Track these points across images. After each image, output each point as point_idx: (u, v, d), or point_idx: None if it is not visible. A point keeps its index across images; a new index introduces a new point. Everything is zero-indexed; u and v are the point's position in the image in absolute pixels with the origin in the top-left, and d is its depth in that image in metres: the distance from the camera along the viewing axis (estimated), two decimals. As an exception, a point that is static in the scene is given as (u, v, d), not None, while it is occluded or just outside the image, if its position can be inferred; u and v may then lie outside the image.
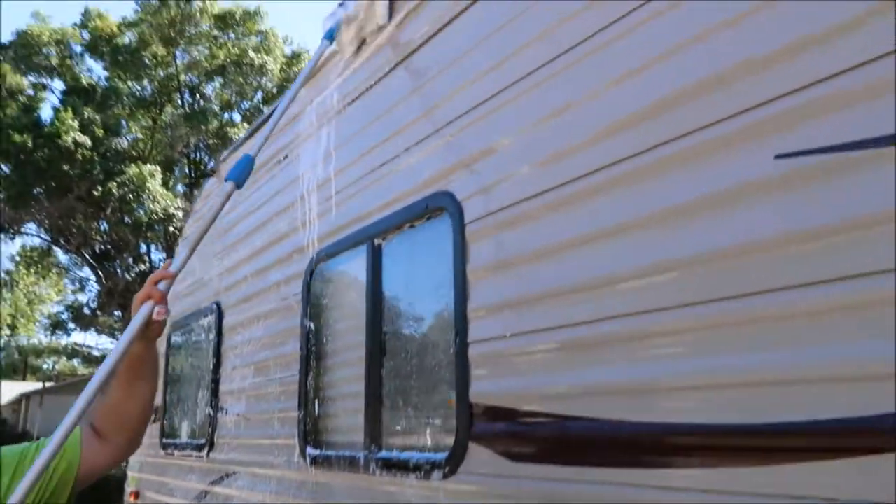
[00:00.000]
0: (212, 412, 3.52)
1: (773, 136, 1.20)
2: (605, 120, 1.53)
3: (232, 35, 24.83)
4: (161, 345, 4.32)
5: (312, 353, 2.66)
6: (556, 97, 1.67)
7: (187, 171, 25.96)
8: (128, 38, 23.15)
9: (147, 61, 23.30)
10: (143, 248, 25.00)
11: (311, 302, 2.73)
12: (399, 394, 2.19)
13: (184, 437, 3.96)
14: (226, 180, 1.81)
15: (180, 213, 20.41)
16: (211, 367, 3.61)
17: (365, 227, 2.38)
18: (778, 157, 1.19)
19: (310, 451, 2.52)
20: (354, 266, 2.50)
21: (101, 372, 1.38)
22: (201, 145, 24.72)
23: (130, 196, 18.85)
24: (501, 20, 1.85)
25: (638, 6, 1.47)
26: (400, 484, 2.01)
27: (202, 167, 26.06)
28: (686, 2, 1.39)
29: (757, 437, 1.17)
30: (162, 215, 20.00)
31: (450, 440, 1.86)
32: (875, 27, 1.07)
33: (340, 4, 2.52)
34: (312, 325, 2.68)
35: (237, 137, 24.57)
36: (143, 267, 25.21)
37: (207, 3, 23.41)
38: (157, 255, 26.13)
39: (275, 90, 25.79)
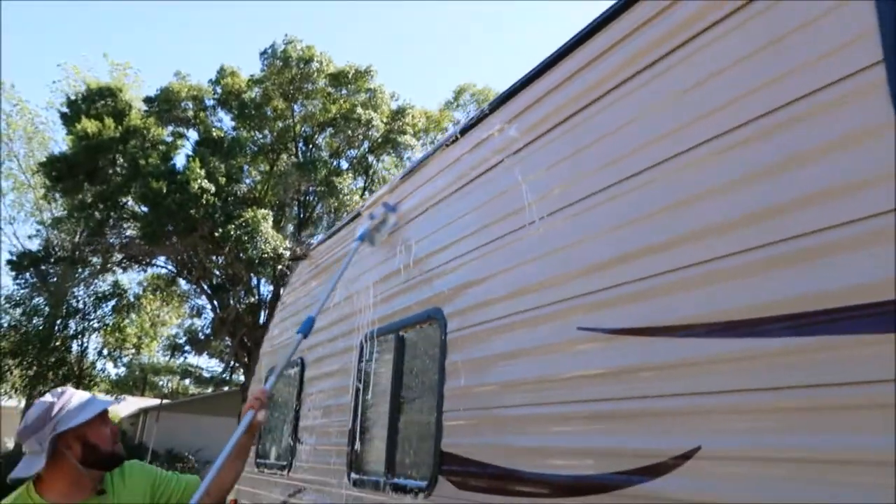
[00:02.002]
0: (292, 442, 4.68)
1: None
2: (536, 278, 2.53)
3: (344, 91, 27.10)
4: (261, 383, 5.56)
5: (359, 405, 3.75)
6: (502, 261, 2.70)
7: (297, 212, 28.34)
8: (254, 92, 25.89)
9: (269, 113, 25.90)
10: (254, 282, 27.42)
11: (360, 368, 3.84)
12: (405, 440, 3.24)
13: (272, 459, 5.14)
14: (297, 333, 2.90)
15: (287, 253, 22.48)
16: (294, 407, 4.78)
17: (394, 322, 3.48)
18: (580, 328, 2.16)
19: (353, 475, 3.60)
20: (386, 347, 3.60)
21: (222, 454, 2.34)
22: (310, 190, 26.95)
23: (245, 237, 21.02)
24: (469, 207, 2.92)
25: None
26: (400, 500, 3.04)
27: (310, 211, 28.35)
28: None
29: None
30: (272, 254, 22.04)
31: (429, 473, 2.88)
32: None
33: (371, 216, 3.61)
34: (360, 385, 3.78)
35: (341, 186, 26.42)
36: (252, 299, 27.58)
37: (324, 63, 25.72)
38: (265, 289, 28.51)
39: (380, 140, 27.81)
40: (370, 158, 29.21)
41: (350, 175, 27.71)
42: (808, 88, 1.57)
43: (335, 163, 28.54)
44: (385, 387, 3.51)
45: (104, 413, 2.16)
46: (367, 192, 29.21)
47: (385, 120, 27.50)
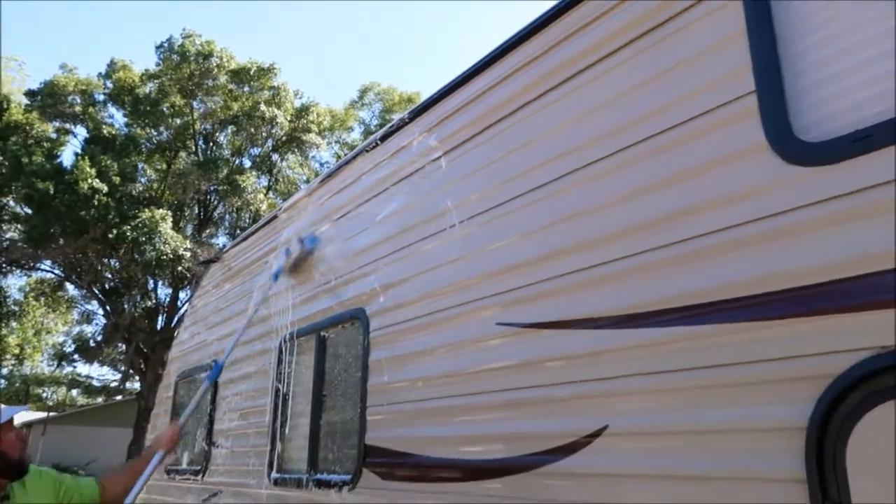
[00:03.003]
0: (206, 446, 4.65)
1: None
2: (456, 278, 2.70)
3: (247, 88, 26.46)
4: (170, 390, 5.47)
5: (279, 405, 3.80)
6: (423, 262, 2.86)
7: (197, 212, 27.43)
8: (149, 88, 24.81)
9: (165, 110, 24.90)
10: (151, 284, 26.31)
11: (279, 370, 3.89)
12: (328, 437, 3.34)
13: (184, 465, 5.07)
14: (206, 379, 2.98)
15: (188, 254, 21.74)
16: (208, 412, 4.75)
17: (315, 323, 3.56)
18: (499, 324, 2.35)
19: (274, 474, 3.65)
20: (306, 348, 3.68)
21: (139, 483, 2.44)
22: (212, 189, 26.15)
23: (143, 238, 20.15)
24: (391, 211, 3.07)
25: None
26: (325, 494, 3.15)
27: (211, 210, 27.51)
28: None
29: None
30: (171, 255, 21.23)
31: (353, 467, 3.00)
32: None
33: (286, 252, 3.62)
34: (280, 385, 3.84)
35: (244, 184, 25.77)
36: (149, 303, 26.46)
37: (225, 59, 25.00)
38: (163, 292, 27.45)
39: (284, 138, 27.34)
40: (274, 157, 28.69)
41: (253, 173, 27.09)
42: (691, 114, 1.83)
43: (237, 161, 27.84)
44: (306, 386, 3.59)
45: (10, 420, 2.16)
46: (271, 192, 28.68)
47: (289, 118, 27.08)
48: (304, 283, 3.54)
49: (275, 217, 4.42)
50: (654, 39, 1.98)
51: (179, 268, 22.36)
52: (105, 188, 19.98)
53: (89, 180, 19.46)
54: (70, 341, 33.30)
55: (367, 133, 30.05)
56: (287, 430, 3.70)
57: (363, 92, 29.93)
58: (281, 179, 29.65)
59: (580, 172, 2.12)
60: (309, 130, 27.84)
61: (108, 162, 20.86)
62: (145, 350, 25.81)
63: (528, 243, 2.27)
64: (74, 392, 44.45)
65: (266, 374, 4.03)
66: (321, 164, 30.49)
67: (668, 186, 1.87)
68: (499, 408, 2.27)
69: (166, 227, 20.50)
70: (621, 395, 1.88)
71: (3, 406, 2.26)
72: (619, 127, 2.02)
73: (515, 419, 2.20)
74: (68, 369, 37.96)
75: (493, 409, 2.30)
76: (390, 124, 3.30)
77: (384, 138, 3.31)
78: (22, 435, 2.23)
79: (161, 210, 21.10)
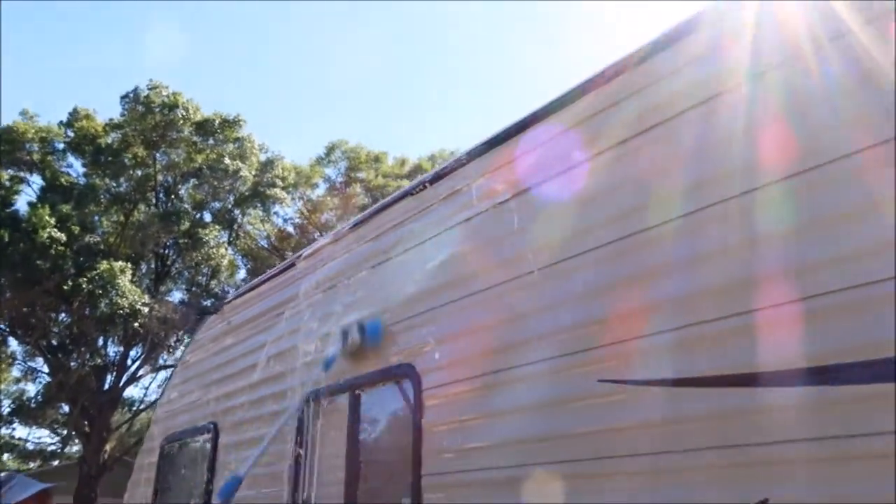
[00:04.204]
0: (203, 517, 4.19)
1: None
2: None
3: (211, 140, 26.12)
4: (153, 455, 4.99)
5: (301, 472, 3.42)
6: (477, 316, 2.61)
7: (154, 266, 26.53)
8: (111, 138, 24.24)
9: (127, 161, 24.31)
10: (101, 342, 25.12)
11: (301, 431, 3.53)
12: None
13: (171, 541, 4.57)
14: (218, 498, 2.58)
15: (145, 310, 20.86)
16: (205, 478, 4.30)
17: (347, 380, 3.24)
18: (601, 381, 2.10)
19: (295, 553, 3.25)
20: (335, 408, 3.34)
21: None
22: (171, 242, 25.43)
23: (99, 291, 19.28)
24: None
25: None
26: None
27: (168, 264, 26.67)
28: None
29: None
30: (128, 310, 20.34)
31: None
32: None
33: (344, 337, 3.24)
34: (301, 450, 3.47)
35: (206, 238, 25.21)
36: (98, 361, 25.20)
37: (191, 111, 24.71)
38: (113, 349, 26.23)
39: (247, 193, 26.91)
40: (235, 212, 28.18)
41: (216, 227, 26.50)
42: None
43: (198, 215, 27.26)
44: (336, 452, 3.24)
45: (45, 495, 2.18)
46: (232, 246, 28.04)
47: (254, 171, 26.74)
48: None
49: (292, 265, 4.11)
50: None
51: (136, 324, 21.43)
52: (63, 238, 19.15)
53: (48, 229, 18.63)
54: (8, 401, 31.33)
55: (331, 189, 29.89)
56: (312, 501, 3.32)
57: (330, 149, 29.88)
58: (242, 235, 29.11)
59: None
60: (274, 185, 27.51)
61: (68, 210, 20.08)
62: (91, 411, 24.45)
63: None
64: (6, 456, 41.64)
65: (283, 438, 3.65)
66: (284, 220, 30.12)
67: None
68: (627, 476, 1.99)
69: (125, 280, 19.68)
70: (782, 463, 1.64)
71: (32, 481, 2.12)
72: (760, 160, 1.85)
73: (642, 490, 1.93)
74: (4, 431, 35.63)
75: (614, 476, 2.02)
76: (445, 164, 3.07)
77: (434, 180, 3.09)
78: None
79: (119, 262, 20.28)
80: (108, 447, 25.58)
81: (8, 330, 24.23)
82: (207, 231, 25.41)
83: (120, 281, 19.42)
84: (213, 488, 4.23)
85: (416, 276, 2.98)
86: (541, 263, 2.42)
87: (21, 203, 22.45)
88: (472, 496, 2.47)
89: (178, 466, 4.80)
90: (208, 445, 4.39)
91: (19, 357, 27.76)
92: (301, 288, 3.89)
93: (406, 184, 25.35)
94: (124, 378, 26.46)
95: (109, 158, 23.91)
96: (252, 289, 4.55)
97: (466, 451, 2.53)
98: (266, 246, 29.45)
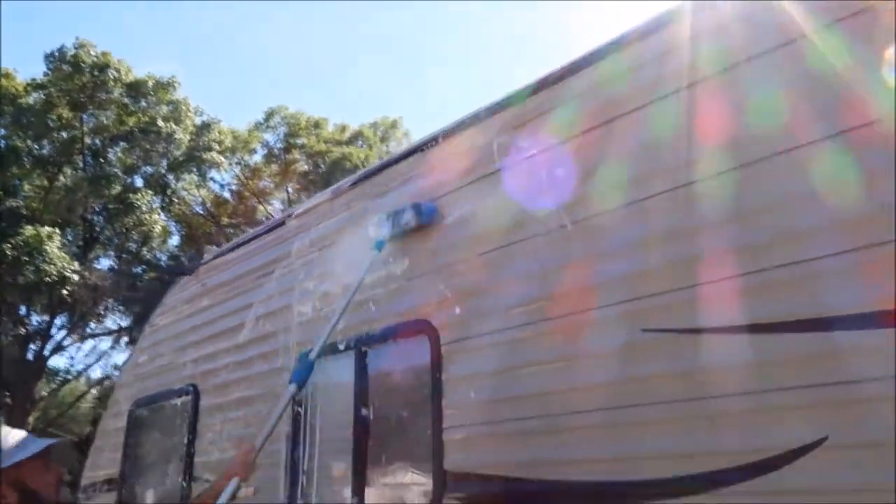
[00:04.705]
0: (184, 480, 4.08)
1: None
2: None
3: (143, 102, 24.98)
4: (121, 420, 4.83)
5: (300, 431, 3.37)
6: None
7: (82, 232, 25.32)
8: (33, 98, 22.83)
9: (51, 123, 22.99)
10: (23, 310, 23.91)
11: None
12: (381, 464, 2.98)
13: (148, 502, 4.43)
14: (290, 382, 2.51)
15: (75, 277, 19.94)
16: (186, 441, 4.18)
17: (352, 337, 3.20)
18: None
19: (299, 510, 3.21)
20: (339, 365, 3.30)
21: None
22: (100, 207, 24.33)
23: (25, 258, 18.29)
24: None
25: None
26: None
27: (97, 230, 25.50)
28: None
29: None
30: (56, 277, 19.40)
31: (427, 497, 2.66)
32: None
33: (393, 218, 3.01)
34: (300, 409, 3.41)
35: (139, 203, 24.31)
36: (22, 330, 24.01)
37: (122, 72, 23.54)
38: (36, 318, 25.01)
39: (182, 157, 25.95)
40: (169, 177, 27.14)
41: (148, 192, 25.48)
42: None
43: (129, 179, 26.14)
44: (341, 409, 3.20)
45: (46, 454, 1.81)
46: (165, 212, 27.05)
47: (189, 135, 25.79)
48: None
49: (282, 223, 4.00)
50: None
51: (63, 291, 20.50)
52: (-17, 202, 18.02)
53: (-35, 193, 17.48)
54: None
55: (270, 155, 29.13)
56: (316, 460, 3.28)
57: (269, 115, 29.04)
58: (176, 200, 28.11)
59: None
60: (210, 149, 26.61)
61: (-13, 174, 18.89)
62: (13, 382, 23.36)
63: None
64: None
65: (277, 397, 3.57)
66: (221, 186, 29.22)
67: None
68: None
69: (53, 246, 18.72)
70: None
71: (32, 436, 1.88)
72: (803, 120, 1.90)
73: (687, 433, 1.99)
74: None
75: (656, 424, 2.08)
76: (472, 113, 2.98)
77: (448, 136, 3.05)
78: (60, 473, 1.88)
79: (46, 228, 19.27)
80: (31, 419, 24.53)
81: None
82: (139, 196, 24.43)
83: (47, 247, 18.48)
84: (195, 449, 4.13)
85: (431, 231, 2.95)
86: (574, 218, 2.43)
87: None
88: (499, 447, 2.50)
89: (151, 430, 4.65)
90: (188, 408, 4.27)
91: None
92: (294, 246, 3.79)
93: (348, 150, 24.81)
94: (49, 348, 25.35)
95: (32, 119, 22.55)
96: (234, 248, 4.41)
97: (495, 402, 2.54)
98: (201, 212, 28.53)
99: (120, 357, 27.62)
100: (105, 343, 26.15)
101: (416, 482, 2.79)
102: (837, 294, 1.77)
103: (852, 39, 1.84)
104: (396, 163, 3.31)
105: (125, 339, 25.75)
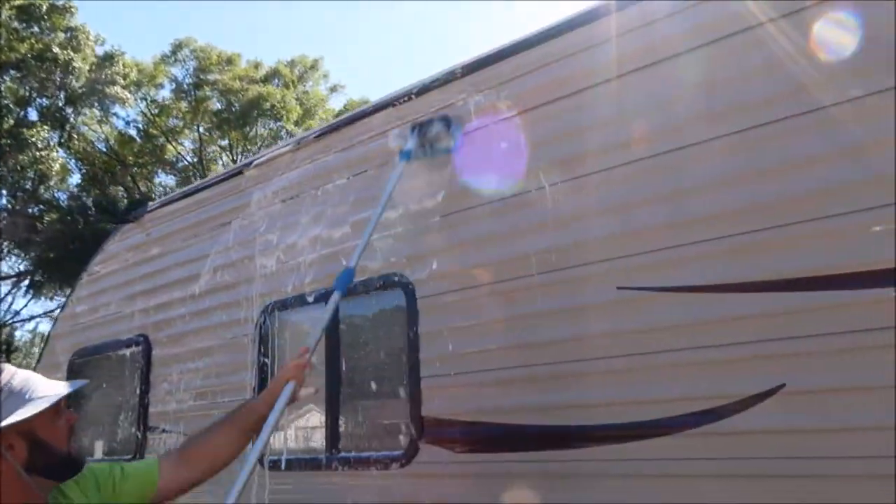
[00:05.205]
0: (138, 432, 4.08)
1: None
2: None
3: (37, 28, 23.08)
4: (60, 371, 4.72)
5: (267, 382, 3.44)
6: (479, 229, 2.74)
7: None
8: None
9: (-72, 47, 20.93)
10: None
11: (264, 341, 3.52)
12: (356, 413, 3.11)
13: (98, 454, 4.39)
14: (335, 291, 2.46)
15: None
16: (138, 391, 4.15)
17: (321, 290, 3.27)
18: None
19: (269, 458, 3.31)
20: (307, 317, 3.37)
21: (264, 433, 1.99)
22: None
23: None
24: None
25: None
26: (361, 476, 2.93)
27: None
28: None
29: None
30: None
31: (405, 442, 2.82)
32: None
33: (413, 129, 2.97)
34: (268, 360, 3.47)
35: (33, 139, 22.71)
36: None
37: (11, -8, 21.58)
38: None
39: (82, 90, 24.30)
40: (68, 111, 25.41)
41: (45, 127, 23.80)
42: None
43: (22, 112, 24.30)
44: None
45: (58, 401, 1.58)
46: (64, 148, 25.44)
47: (89, 66, 24.10)
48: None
49: (238, 173, 3.94)
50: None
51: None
52: None
53: None
54: None
55: (179, 91, 27.68)
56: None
57: (176, 47, 27.42)
58: (76, 136, 26.41)
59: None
60: (113, 83, 25.03)
61: None
62: None
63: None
64: None
65: (241, 347, 3.62)
66: (126, 123, 27.64)
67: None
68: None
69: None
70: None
71: (44, 379, 1.65)
72: (780, 94, 2.10)
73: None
74: None
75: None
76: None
77: (421, 93, 3.09)
78: (72, 419, 1.67)
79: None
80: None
81: None
82: (34, 131, 22.88)
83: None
84: (149, 400, 4.12)
85: (407, 187, 3.02)
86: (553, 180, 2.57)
87: None
88: (475, 394, 2.67)
89: (96, 380, 4.56)
90: (140, 358, 4.22)
91: None
92: (253, 197, 3.76)
93: (265, 89, 23.81)
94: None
95: None
96: (183, 197, 4.31)
97: (470, 354, 2.70)
98: (105, 150, 26.94)
99: (19, 303, 26.18)
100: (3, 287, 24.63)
101: (393, 428, 2.94)
102: (789, 260, 2.02)
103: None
104: (365, 117, 3.33)
105: (25, 282, 24.40)
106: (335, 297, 2.45)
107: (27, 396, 1.54)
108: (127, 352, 4.35)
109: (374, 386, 3.10)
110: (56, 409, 1.59)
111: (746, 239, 2.11)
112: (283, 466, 3.28)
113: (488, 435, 2.60)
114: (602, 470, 2.29)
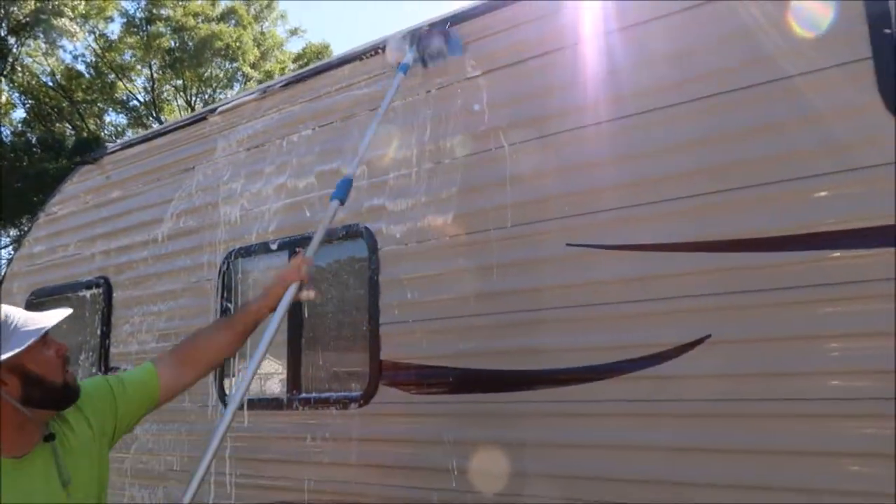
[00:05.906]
0: (101, 372, 4.15)
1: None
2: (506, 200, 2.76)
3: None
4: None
5: (230, 325, 3.54)
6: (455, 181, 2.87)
7: None
8: None
9: None
10: None
11: (226, 286, 3.61)
12: (317, 356, 3.25)
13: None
14: (332, 199, 2.39)
15: None
16: (99, 332, 4.21)
17: (286, 238, 3.37)
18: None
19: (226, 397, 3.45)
20: (266, 264, 3.48)
21: (268, 333, 2.05)
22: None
23: None
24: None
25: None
26: (322, 415, 3.09)
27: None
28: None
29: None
30: None
31: (364, 384, 2.99)
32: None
33: (412, 41, 2.96)
34: (230, 304, 3.57)
35: None
36: None
37: None
38: None
39: (26, 20, 23.18)
40: (10, 41, 24.22)
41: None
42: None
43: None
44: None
45: (44, 333, 1.58)
46: (7, 80, 24.34)
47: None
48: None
49: (203, 119, 3.95)
50: None
51: None
52: None
53: None
54: None
55: (128, 26, 26.59)
56: (247, 350, 3.48)
57: (128, -22, 26.19)
58: (19, 69, 25.27)
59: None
60: (60, 14, 23.92)
61: None
62: None
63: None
64: None
65: (202, 292, 3.71)
66: (74, 57, 26.52)
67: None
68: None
69: None
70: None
71: (27, 313, 1.65)
72: (736, 65, 2.25)
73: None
74: None
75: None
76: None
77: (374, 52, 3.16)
78: (63, 350, 1.67)
79: None
80: None
81: None
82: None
83: None
84: (110, 341, 4.19)
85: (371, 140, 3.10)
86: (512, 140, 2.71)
87: None
88: (431, 340, 2.84)
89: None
90: (100, 299, 4.27)
91: None
92: (218, 144, 3.80)
93: (219, 28, 23.04)
94: None
95: None
96: (145, 140, 4.30)
97: (428, 303, 2.86)
98: (51, 84, 25.85)
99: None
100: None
101: (352, 371, 3.10)
102: (726, 223, 2.21)
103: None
104: (333, 68, 3.38)
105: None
106: (334, 204, 2.38)
107: (11, 331, 1.56)
108: (87, 293, 4.38)
109: (335, 331, 3.25)
110: (43, 340, 1.60)
111: (686, 203, 2.30)
112: (244, 406, 3.41)
113: (443, 378, 2.78)
114: (548, 410, 2.50)
